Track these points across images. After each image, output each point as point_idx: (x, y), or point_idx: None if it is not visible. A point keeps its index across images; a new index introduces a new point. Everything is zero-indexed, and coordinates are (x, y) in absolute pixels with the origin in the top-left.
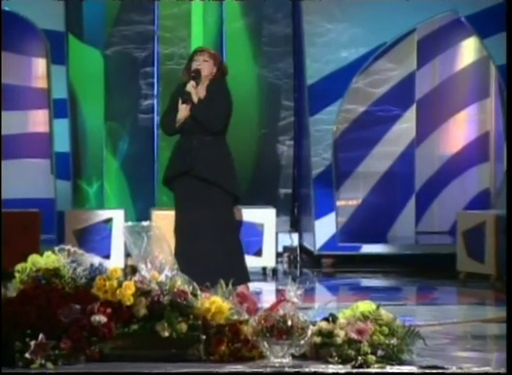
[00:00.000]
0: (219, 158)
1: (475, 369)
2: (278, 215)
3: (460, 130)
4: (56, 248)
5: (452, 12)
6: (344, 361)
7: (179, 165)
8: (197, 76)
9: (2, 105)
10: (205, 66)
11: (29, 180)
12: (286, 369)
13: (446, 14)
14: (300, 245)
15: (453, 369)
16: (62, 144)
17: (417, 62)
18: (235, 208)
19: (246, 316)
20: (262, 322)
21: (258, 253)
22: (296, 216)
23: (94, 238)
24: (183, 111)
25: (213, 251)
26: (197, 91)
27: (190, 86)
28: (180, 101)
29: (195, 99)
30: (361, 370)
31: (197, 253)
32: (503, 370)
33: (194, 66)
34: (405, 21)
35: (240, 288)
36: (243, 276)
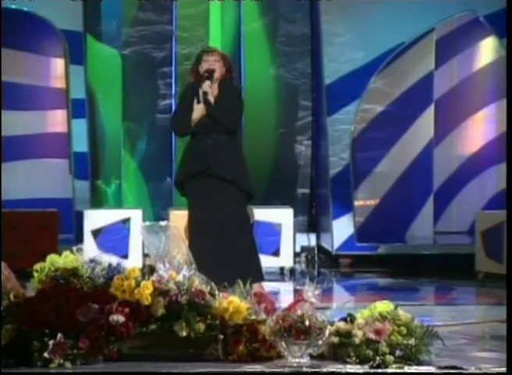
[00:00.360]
0: (234, 157)
1: (495, 370)
2: (295, 215)
3: (478, 130)
4: (74, 248)
5: (470, 11)
6: (362, 361)
7: (195, 165)
8: (210, 76)
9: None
10: (217, 67)
11: (47, 179)
12: (304, 369)
13: (464, 14)
14: (318, 245)
15: (472, 370)
16: (80, 144)
17: (436, 62)
18: (248, 208)
19: (264, 316)
20: (280, 322)
21: (276, 253)
22: (314, 216)
23: (112, 238)
24: (199, 111)
25: (226, 251)
26: (212, 91)
27: (207, 86)
28: (196, 101)
29: (212, 99)
30: (379, 370)
31: (210, 252)
32: (503, 370)
33: (206, 66)
34: (423, 21)
35: (256, 288)
36: (257, 275)
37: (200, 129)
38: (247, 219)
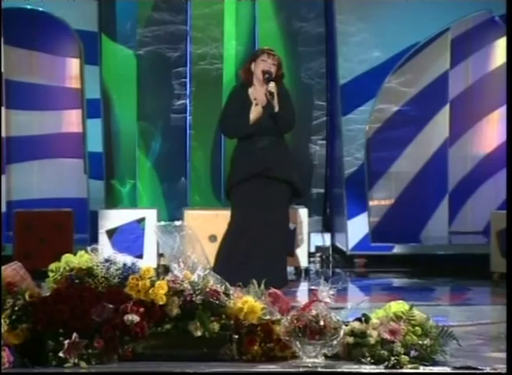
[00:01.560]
0: (288, 158)
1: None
2: (310, 215)
3: (493, 130)
4: (89, 248)
5: (486, 11)
6: (377, 361)
7: (254, 166)
8: (270, 77)
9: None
10: (273, 70)
11: (62, 179)
12: (319, 370)
13: (479, 13)
14: (333, 245)
15: (487, 370)
16: (95, 144)
17: (451, 62)
18: (292, 209)
19: (278, 316)
20: (295, 322)
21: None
22: (329, 216)
23: (126, 238)
24: (257, 112)
25: (263, 253)
26: (276, 93)
27: (273, 86)
28: (254, 103)
29: (276, 100)
30: (394, 371)
31: (246, 254)
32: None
33: (263, 67)
34: (439, 20)
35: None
36: (283, 280)
37: (255, 130)
38: (288, 222)
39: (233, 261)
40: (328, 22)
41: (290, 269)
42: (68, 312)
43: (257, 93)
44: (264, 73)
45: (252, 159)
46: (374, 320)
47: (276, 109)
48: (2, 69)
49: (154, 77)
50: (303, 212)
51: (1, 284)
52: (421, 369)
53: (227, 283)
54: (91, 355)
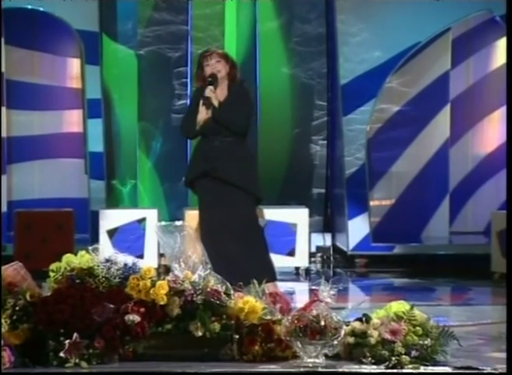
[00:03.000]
0: (241, 160)
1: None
2: (311, 215)
3: (494, 130)
4: (90, 248)
5: (486, 11)
6: (378, 361)
7: (200, 166)
8: (213, 80)
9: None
10: (220, 68)
11: (63, 179)
12: (320, 370)
13: (480, 13)
14: (333, 245)
15: (488, 370)
16: (95, 144)
17: (452, 62)
18: (257, 208)
19: (279, 316)
20: (295, 322)
21: (291, 253)
22: (330, 216)
23: (127, 238)
24: (204, 114)
25: (236, 252)
26: (216, 95)
27: (209, 91)
28: (201, 104)
29: (215, 103)
30: (395, 371)
31: (220, 253)
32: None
33: (209, 70)
34: (439, 20)
35: (271, 288)
36: (269, 275)
37: (207, 131)
38: (256, 220)
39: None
40: (329, 22)
41: (291, 269)
42: (69, 312)
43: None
44: (207, 77)
45: (201, 158)
46: (375, 320)
47: (216, 113)
48: (3, 69)
49: (155, 77)
50: (303, 212)
51: (2, 284)
52: (422, 369)
53: (228, 284)
54: (92, 355)
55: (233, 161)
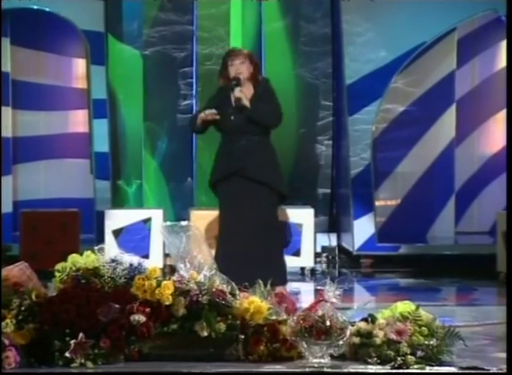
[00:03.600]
0: (267, 158)
1: None
2: (316, 215)
3: (500, 130)
4: (95, 248)
5: (492, 11)
6: (383, 362)
7: (229, 166)
8: (238, 83)
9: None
10: (244, 68)
11: (69, 179)
12: (325, 370)
13: (485, 13)
14: (339, 245)
15: (493, 370)
16: (101, 144)
17: (457, 62)
18: (279, 209)
19: (284, 316)
20: (301, 322)
21: (297, 253)
22: (335, 216)
23: (133, 238)
24: (230, 114)
25: (253, 252)
26: (245, 95)
27: (239, 91)
28: (227, 104)
29: (247, 103)
30: (401, 371)
31: (237, 253)
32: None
33: (232, 72)
34: (445, 20)
35: (279, 288)
36: (281, 278)
37: (232, 130)
38: (277, 221)
39: (227, 261)
40: (335, 22)
41: (296, 269)
42: (74, 312)
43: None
44: (232, 79)
45: (228, 158)
46: (380, 320)
47: (248, 109)
48: (8, 69)
49: (161, 77)
50: (309, 212)
51: (8, 284)
52: (428, 370)
53: (233, 284)
54: (97, 355)
55: (261, 159)
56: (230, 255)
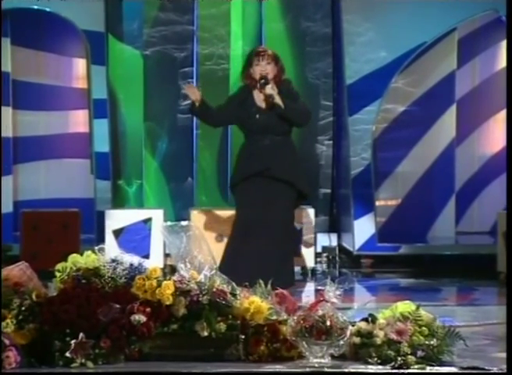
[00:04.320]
0: (291, 158)
1: None
2: (317, 215)
3: (500, 130)
4: (96, 248)
5: (492, 11)
6: (384, 362)
7: (253, 165)
8: (265, 82)
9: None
10: (269, 69)
11: (69, 180)
12: (325, 370)
13: (486, 13)
14: (339, 245)
15: (494, 370)
16: (101, 144)
17: (458, 62)
18: (297, 210)
19: (285, 316)
20: (301, 322)
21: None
22: (335, 216)
23: (133, 238)
24: (256, 112)
25: (269, 252)
26: (274, 94)
27: (270, 88)
28: (255, 102)
29: (279, 101)
30: (401, 371)
31: (253, 253)
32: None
33: (258, 71)
34: (445, 20)
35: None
36: (289, 280)
37: (256, 129)
38: (293, 222)
39: (237, 260)
40: (335, 22)
41: (297, 269)
42: (74, 312)
43: (258, 98)
44: (259, 79)
45: (252, 158)
46: (380, 320)
47: (282, 107)
48: (3, 69)
49: (161, 77)
50: (309, 212)
51: (9, 284)
52: (428, 370)
53: (234, 284)
54: (98, 355)
55: (285, 159)
56: (241, 255)
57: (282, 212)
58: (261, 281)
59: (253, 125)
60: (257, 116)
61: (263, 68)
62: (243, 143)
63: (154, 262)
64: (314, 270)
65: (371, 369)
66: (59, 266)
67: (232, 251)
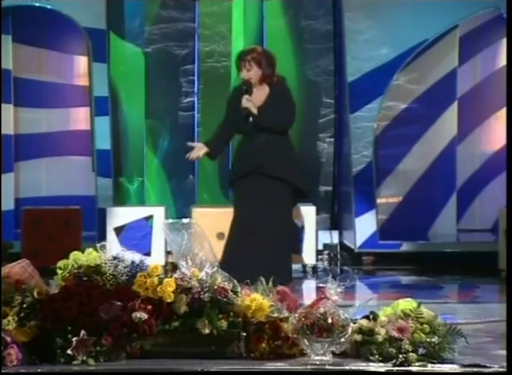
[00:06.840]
0: (286, 155)
1: None
2: (318, 212)
3: (501, 128)
4: (97, 245)
5: (493, 8)
6: (385, 359)
7: (248, 164)
8: (248, 88)
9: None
10: (252, 74)
11: (70, 177)
12: (327, 367)
13: (487, 11)
14: (341, 243)
15: (495, 368)
16: (103, 141)
17: (459, 59)
18: (295, 208)
19: (286, 314)
20: (302, 319)
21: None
22: (337, 214)
23: (134, 235)
24: (243, 117)
25: (263, 250)
26: (253, 103)
27: (245, 100)
28: (240, 110)
29: (255, 111)
30: (402, 368)
31: (250, 251)
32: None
33: (242, 75)
34: (447, 18)
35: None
36: (286, 277)
37: (251, 130)
38: (291, 220)
39: (234, 258)
40: (337, 19)
41: (298, 266)
42: (76, 309)
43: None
44: (243, 84)
45: (247, 157)
46: (382, 318)
47: (257, 119)
48: (5, 66)
49: (162, 75)
50: (311, 210)
51: (10, 282)
52: (429, 367)
53: (235, 281)
54: (99, 353)
55: (280, 157)
56: (238, 253)
57: (278, 209)
58: (261, 279)
59: (247, 127)
60: (250, 119)
61: (244, 74)
62: (239, 141)
63: (156, 259)
64: (315, 268)
65: (373, 366)
66: (61, 264)
67: (230, 250)
